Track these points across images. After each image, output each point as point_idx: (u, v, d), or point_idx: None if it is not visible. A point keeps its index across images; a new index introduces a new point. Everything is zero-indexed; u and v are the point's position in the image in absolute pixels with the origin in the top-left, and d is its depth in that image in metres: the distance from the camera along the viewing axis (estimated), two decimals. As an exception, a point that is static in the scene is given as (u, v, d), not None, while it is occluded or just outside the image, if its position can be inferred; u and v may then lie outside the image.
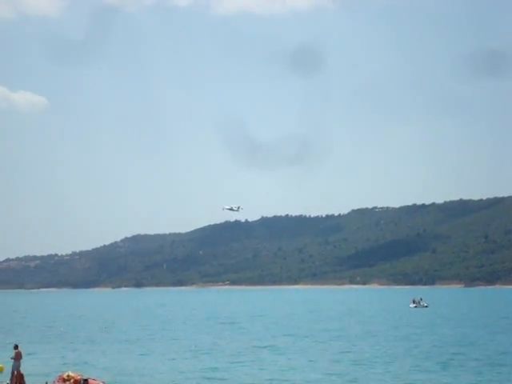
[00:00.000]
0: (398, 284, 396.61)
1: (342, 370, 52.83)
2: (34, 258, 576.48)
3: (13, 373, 44.32)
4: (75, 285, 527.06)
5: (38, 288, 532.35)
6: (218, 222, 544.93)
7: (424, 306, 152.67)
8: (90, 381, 43.00)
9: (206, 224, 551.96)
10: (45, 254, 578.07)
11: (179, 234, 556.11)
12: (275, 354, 64.17)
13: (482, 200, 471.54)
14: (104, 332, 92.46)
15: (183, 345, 72.75)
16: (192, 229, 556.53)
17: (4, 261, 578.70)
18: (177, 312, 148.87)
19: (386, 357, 60.48)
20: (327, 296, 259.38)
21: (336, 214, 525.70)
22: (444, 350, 65.07)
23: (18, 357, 44.69)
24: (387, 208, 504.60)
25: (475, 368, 52.79)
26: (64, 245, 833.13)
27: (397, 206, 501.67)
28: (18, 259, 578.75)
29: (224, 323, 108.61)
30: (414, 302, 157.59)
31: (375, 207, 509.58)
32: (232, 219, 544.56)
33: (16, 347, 45.34)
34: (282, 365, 56.07)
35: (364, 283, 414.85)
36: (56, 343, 77.07)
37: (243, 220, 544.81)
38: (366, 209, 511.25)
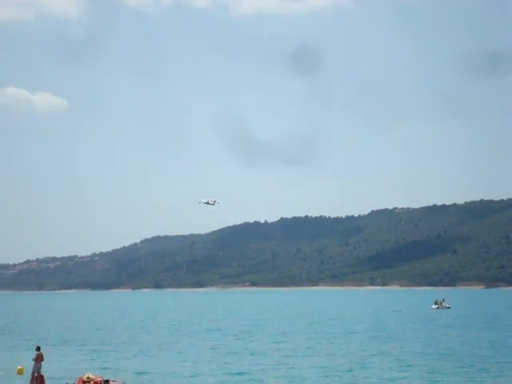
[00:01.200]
0: (419, 285, 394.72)
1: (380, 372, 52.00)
2: (54, 259, 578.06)
3: (33, 374, 43.92)
4: (95, 286, 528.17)
5: (58, 289, 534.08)
6: (237, 223, 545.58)
7: (446, 308, 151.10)
8: (110, 382, 42.68)
9: (226, 225, 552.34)
10: (65, 255, 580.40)
11: (199, 235, 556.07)
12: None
13: (503, 200, 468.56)
14: (127, 334, 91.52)
15: (210, 348, 71.31)
16: (211, 230, 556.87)
17: (24, 262, 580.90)
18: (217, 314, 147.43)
19: (413, 358, 59.48)
20: (349, 297, 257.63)
21: (356, 214, 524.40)
22: (470, 352, 63.92)
23: (39, 358, 44.31)
24: (408, 209, 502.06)
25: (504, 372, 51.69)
26: (84, 246, 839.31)
27: (417, 206, 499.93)
28: (37, 260, 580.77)
29: (247, 325, 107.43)
30: (435, 303, 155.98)
31: (395, 208, 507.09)
32: (251, 220, 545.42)
33: (38, 349, 44.93)
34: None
35: (384, 284, 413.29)
36: (79, 345, 76.34)
37: (262, 221, 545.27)
38: (386, 209, 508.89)
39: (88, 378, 42.59)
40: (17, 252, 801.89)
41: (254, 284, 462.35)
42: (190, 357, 62.75)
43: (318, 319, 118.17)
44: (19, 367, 46.31)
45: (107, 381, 42.56)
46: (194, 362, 59.14)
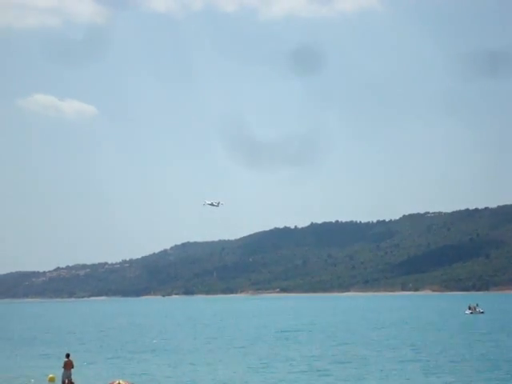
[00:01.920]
0: (451, 290, 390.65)
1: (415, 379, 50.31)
2: (84, 266, 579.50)
3: (63, 382, 44.34)
4: (125, 293, 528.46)
5: (89, 297, 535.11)
6: (267, 229, 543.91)
7: (480, 312, 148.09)
8: None
9: (255, 231, 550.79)
10: (95, 262, 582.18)
11: (228, 241, 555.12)
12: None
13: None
14: (159, 341, 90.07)
15: (249, 355, 69.37)
16: (241, 236, 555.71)
17: (54, 269, 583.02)
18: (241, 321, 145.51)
19: (452, 364, 57.60)
20: (383, 303, 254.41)
21: (387, 219, 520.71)
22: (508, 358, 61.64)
23: (68, 366, 44.88)
24: (439, 213, 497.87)
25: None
26: (114, 253, 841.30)
27: (449, 210, 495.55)
28: (68, 268, 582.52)
29: (283, 332, 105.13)
30: (469, 308, 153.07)
31: (427, 212, 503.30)
32: (281, 226, 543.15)
33: (67, 356, 45.51)
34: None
35: (416, 289, 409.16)
36: (110, 352, 75.46)
37: (292, 227, 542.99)
38: (418, 214, 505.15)
39: (119, 383, 42.49)
40: (47, 259, 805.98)
41: (284, 290, 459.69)
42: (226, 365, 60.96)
43: (361, 325, 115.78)
44: (51, 376, 46.51)
45: None
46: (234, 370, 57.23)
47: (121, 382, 42.77)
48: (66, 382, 43.66)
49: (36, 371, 57.24)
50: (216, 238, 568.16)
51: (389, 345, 76.70)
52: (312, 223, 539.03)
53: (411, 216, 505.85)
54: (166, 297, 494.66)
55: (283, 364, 60.36)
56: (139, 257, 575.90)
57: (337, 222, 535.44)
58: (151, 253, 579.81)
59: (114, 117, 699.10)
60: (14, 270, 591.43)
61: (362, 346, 75.54)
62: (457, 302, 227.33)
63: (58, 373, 46.77)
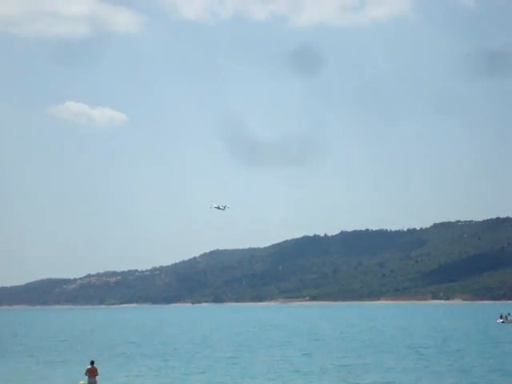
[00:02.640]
0: (482, 299, 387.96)
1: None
2: (115, 273, 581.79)
3: None
4: (155, 300, 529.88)
5: (119, 304, 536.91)
6: (296, 237, 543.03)
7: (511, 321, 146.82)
8: None
9: (285, 239, 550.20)
10: (125, 269, 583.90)
11: (258, 249, 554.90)
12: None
13: None
14: (193, 348, 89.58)
15: (275, 363, 68.59)
16: (270, 244, 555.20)
17: (85, 277, 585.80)
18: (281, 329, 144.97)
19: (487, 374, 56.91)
20: (412, 312, 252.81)
21: (418, 227, 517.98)
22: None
23: (92, 373, 44.71)
24: (470, 222, 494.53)
25: None
26: (144, 260, 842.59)
27: (480, 219, 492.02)
28: (98, 275, 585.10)
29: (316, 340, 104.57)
30: (501, 317, 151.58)
31: (458, 221, 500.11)
32: (311, 234, 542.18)
33: (92, 363, 45.36)
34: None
35: (447, 298, 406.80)
36: (144, 360, 75.14)
37: (322, 235, 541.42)
38: (449, 222, 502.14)
39: None
40: (78, 267, 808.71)
41: (313, 298, 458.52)
42: (255, 373, 60.38)
43: (391, 333, 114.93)
44: (81, 382, 46.06)
45: None
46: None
47: None
48: None
49: (66, 379, 57.14)
50: (245, 246, 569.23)
51: (420, 354, 75.86)
52: (342, 231, 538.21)
53: (442, 224, 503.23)
54: (196, 304, 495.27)
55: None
56: (169, 264, 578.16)
57: (367, 230, 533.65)
58: (181, 260, 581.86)
59: (144, 124, 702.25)
60: (45, 277, 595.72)
61: (395, 354, 74.73)
62: (488, 311, 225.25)
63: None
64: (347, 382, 54.03)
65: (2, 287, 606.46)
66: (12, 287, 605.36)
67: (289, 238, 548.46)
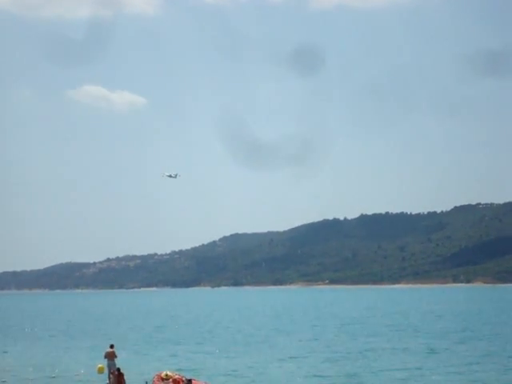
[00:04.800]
0: (503, 282, 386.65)
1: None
2: (134, 257, 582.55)
3: (109, 372, 44.14)
4: (175, 284, 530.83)
5: (139, 287, 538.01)
6: (315, 221, 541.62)
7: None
8: (193, 381, 41.21)
9: (304, 222, 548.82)
10: (145, 253, 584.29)
11: (277, 233, 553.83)
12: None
13: None
14: (213, 332, 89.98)
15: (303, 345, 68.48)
16: (290, 227, 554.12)
17: (104, 260, 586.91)
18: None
19: None
20: (435, 295, 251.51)
21: (438, 211, 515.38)
22: None
23: (110, 356, 44.92)
24: (491, 204, 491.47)
25: None
26: (163, 244, 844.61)
27: (501, 201, 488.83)
28: (118, 259, 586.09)
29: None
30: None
31: (479, 203, 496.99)
32: (330, 217, 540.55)
33: (111, 347, 45.67)
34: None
35: (468, 281, 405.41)
36: (165, 343, 75.56)
37: (342, 218, 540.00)
38: (469, 205, 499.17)
39: (166, 375, 41.73)
40: (97, 251, 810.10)
41: (333, 282, 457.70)
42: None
43: (416, 317, 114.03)
44: (100, 365, 46.20)
45: (190, 380, 40.99)
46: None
47: (168, 372, 42.23)
48: (112, 371, 43.15)
49: (85, 362, 57.78)
50: (265, 230, 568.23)
51: (449, 338, 74.89)
52: (362, 215, 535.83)
53: (463, 207, 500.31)
54: (215, 288, 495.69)
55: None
56: (188, 248, 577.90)
57: (387, 213, 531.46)
58: (200, 244, 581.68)
59: (164, 108, 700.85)
60: (64, 261, 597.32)
61: (423, 338, 73.28)
62: (510, 293, 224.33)
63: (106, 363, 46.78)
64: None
65: (23, 271, 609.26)
66: (32, 271, 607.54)
67: (308, 221, 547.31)
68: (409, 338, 75.22)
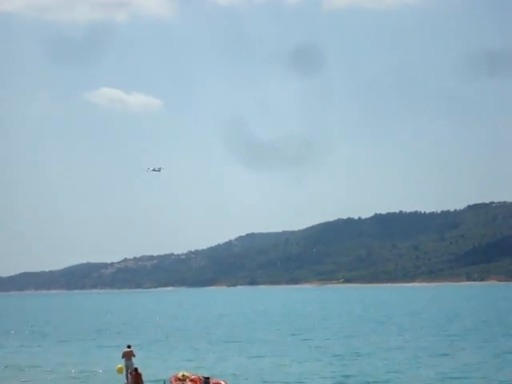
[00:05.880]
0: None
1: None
2: (151, 257, 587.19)
3: (126, 371, 44.51)
4: (191, 283, 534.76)
5: (156, 287, 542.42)
6: (330, 220, 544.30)
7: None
8: (211, 380, 41.26)
9: (319, 222, 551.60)
10: (161, 253, 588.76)
11: (292, 232, 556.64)
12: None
13: None
14: (234, 332, 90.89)
15: (315, 347, 69.13)
16: (305, 226, 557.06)
17: (122, 261, 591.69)
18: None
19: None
20: (454, 293, 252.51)
21: (452, 209, 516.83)
22: None
23: (127, 356, 45.03)
24: (504, 203, 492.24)
25: None
26: (180, 244, 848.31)
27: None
28: (135, 259, 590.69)
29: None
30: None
31: (492, 202, 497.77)
32: (345, 217, 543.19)
33: (129, 347, 45.96)
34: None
35: (482, 280, 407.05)
36: (184, 342, 76.79)
37: (356, 217, 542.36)
38: (483, 204, 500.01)
39: (183, 375, 41.71)
40: (115, 251, 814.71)
41: (348, 281, 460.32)
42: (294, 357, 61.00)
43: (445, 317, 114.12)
44: (119, 366, 46.01)
45: (208, 378, 41.31)
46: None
47: (185, 373, 42.08)
48: (130, 371, 43.41)
49: (103, 361, 58.80)
50: (280, 229, 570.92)
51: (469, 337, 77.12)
52: (376, 214, 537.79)
53: (476, 206, 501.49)
54: (231, 287, 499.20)
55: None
56: (205, 247, 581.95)
57: (401, 212, 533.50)
58: (216, 244, 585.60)
59: (179, 110, 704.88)
60: (82, 262, 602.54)
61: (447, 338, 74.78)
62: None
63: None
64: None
65: (41, 272, 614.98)
66: (50, 272, 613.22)
67: (323, 220, 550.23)
68: (430, 336, 76.24)
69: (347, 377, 48.98)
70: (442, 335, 77.27)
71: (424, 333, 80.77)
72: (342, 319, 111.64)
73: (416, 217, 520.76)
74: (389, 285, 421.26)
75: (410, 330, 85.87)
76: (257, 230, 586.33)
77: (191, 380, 41.21)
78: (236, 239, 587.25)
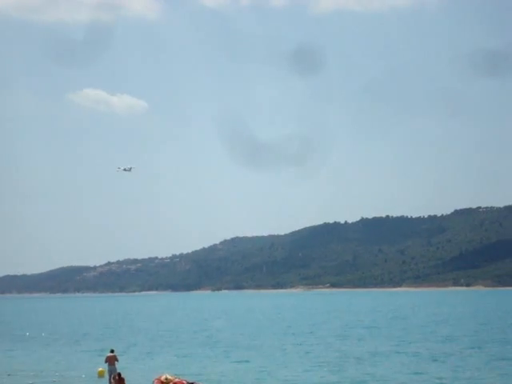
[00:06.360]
0: (504, 285, 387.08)
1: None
2: (135, 261, 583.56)
3: (110, 376, 44.53)
4: (175, 287, 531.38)
5: (139, 291, 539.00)
6: (316, 224, 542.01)
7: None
8: None
9: (305, 226, 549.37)
10: (145, 257, 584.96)
11: (278, 236, 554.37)
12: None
13: None
14: (219, 336, 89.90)
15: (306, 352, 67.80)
16: (291, 230, 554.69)
17: (105, 264, 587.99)
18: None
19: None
20: (440, 298, 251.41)
21: (438, 214, 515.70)
22: None
23: (111, 361, 45.36)
24: (491, 208, 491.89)
25: None
26: (164, 248, 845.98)
27: (501, 205, 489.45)
28: (118, 262, 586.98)
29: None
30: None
31: (479, 207, 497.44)
32: (331, 221, 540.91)
33: (111, 351, 46.16)
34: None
35: (468, 285, 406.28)
36: (168, 347, 76.04)
37: (342, 221, 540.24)
38: (470, 209, 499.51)
39: (166, 378, 41.33)
40: (98, 254, 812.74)
41: (334, 285, 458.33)
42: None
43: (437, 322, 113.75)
44: (100, 369, 46.74)
45: (192, 383, 41.27)
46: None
47: (168, 376, 41.92)
48: (113, 376, 43.35)
49: (86, 366, 57.69)
50: (265, 233, 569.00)
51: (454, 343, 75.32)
52: (362, 218, 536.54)
53: (463, 211, 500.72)
54: (216, 291, 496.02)
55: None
56: (189, 251, 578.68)
57: (387, 217, 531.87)
58: (201, 247, 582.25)
59: (164, 111, 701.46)
60: (65, 265, 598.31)
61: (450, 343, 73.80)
62: (510, 297, 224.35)
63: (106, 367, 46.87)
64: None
65: (23, 275, 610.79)
66: (33, 275, 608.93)
67: (309, 224, 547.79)
68: (416, 342, 74.92)
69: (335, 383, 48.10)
70: (430, 341, 76.01)
71: (412, 338, 79.47)
72: (329, 324, 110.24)
73: (402, 221, 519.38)
74: (375, 290, 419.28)
75: (398, 335, 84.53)
76: (242, 234, 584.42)
77: (174, 383, 40.94)
78: (221, 243, 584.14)
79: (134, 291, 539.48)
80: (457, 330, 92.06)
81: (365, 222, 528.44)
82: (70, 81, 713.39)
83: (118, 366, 45.58)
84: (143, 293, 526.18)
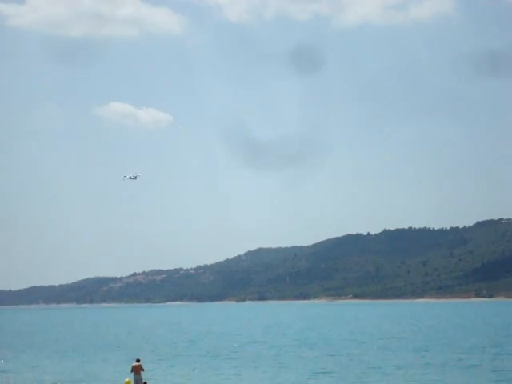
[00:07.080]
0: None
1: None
2: (160, 272, 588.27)
3: None
4: (200, 298, 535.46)
5: (164, 302, 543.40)
6: (339, 236, 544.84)
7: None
8: None
9: (328, 237, 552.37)
10: (170, 268, 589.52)
11: (301, 248, 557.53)
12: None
13: None
14: (241, 348, 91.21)
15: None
16: (313, 242, 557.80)
17: (131, 275, 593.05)
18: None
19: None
20: (464, 309, 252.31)
21: (461, 226, 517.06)
22: None
23: (136, 370, 45.97)
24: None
25: None
26: (189, 259, 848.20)
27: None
28: (144, 273, 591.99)
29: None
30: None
31: (501, 219, 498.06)
32: (354, 232, 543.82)
33: (137, 361, 46.79)
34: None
35: (490, 296, 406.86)
36: (193, 357, 77.13)
37: (365, 233, 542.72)
38: (492, 220, 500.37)
39: None
40: (124, 265, 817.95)
41: (357, 296, 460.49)
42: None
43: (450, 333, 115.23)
44: (126, 380, 46.78)
45: None
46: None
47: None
48: None
49: (113, 376, 59.56)
50: (289, 244, 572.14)
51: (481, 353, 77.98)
52: (385, 230, 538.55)
53: (485, 223, 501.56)
54: (240, 302, 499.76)
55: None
56: (214, 262, 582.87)
57: (410, 228, 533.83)
58: (225, 258, 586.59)
59: (188, 124, 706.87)
60: (92, 276, 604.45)
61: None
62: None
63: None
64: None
65: (50, 286, 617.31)
66: (60, 286, 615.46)
67: (332, 236, 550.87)
68: (442, 353, 76.33)
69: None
70: (454, 352, 77.31)
71: (434, 350, 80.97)
72: (353, 336, 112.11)
73: (425, 233, 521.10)
74: (398, 301, 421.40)
75: (420, 346, 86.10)
76: (266, 245, 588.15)
77: None
78: (245, 254, 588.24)
79: (159, 302, 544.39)
80: (478, 341, 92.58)
81: (387, 234, 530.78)
82: (97, 95, 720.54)
83: (144, 376, 46.43)
84: (168, 303, 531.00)
